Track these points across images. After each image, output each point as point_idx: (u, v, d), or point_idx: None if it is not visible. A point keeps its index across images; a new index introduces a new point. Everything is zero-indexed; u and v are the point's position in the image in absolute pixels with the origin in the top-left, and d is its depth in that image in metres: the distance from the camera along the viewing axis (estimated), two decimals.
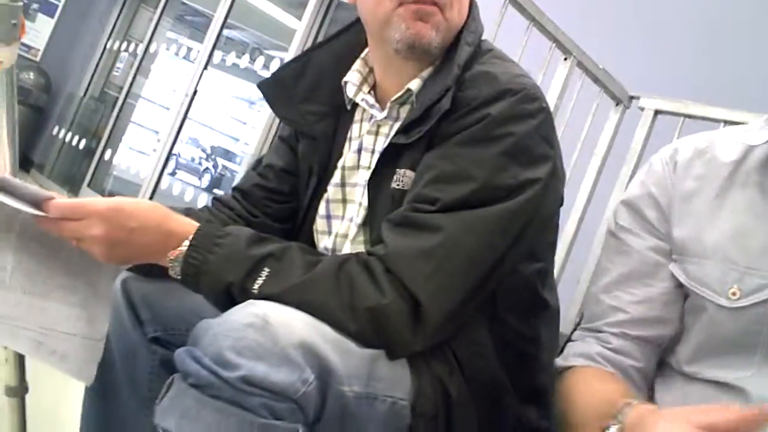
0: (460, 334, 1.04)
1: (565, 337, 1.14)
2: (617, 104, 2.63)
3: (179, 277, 0.99)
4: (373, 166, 1.13)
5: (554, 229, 1.18)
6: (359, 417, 0.93)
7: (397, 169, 1.09)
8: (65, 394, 1.29)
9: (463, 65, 1.08)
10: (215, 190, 9.75)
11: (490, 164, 1.00)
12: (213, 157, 9.82)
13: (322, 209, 1.24)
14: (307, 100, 1.23)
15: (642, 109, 2.56)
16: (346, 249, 1.18)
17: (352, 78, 1.21)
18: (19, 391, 1.13)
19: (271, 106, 1.27)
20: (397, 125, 1.15)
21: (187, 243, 0.97)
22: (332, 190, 1.22)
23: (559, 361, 1.09)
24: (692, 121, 2.41)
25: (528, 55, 2.15)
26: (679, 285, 1.01)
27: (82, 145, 5.72)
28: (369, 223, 1.14)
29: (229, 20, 4.71)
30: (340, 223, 1.21)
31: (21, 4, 1.03)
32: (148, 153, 5.04)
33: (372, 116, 1.20)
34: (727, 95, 2.39)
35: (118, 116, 5.64)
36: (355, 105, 1.23)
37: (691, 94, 2.43)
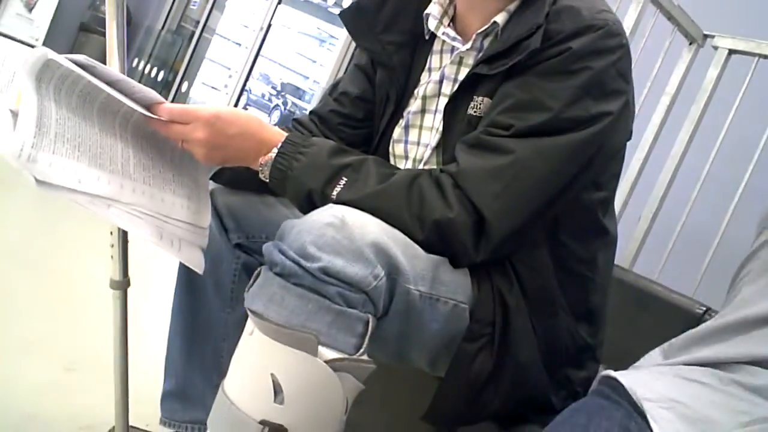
0: (521, 252, 1.10)
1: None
2: (690, 43, 2.59)
3: (267, 180, 1.08)
4: (452, 93, 1.17)
5: (620, 161, 1.21)
6: (423, 314, 1.02)
7: (475, 96, 1.13)
8: (160, 290, 1.42)
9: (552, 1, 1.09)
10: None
11: (565, 96, 1.03)
12: (283, 94, 9.89)
13: (397, 134, 1.28)
14: (387, 30, 1.26)
15: (716, 48, 2.52)
16: None
17: (433, 10, 1.23)
18: (123, 284, 1.25)
19: (352, 35, 1.31)
20: (477, 55, 1.18)
21: (275, 150, 1.07)
22: (411, 117, 1.26)
23: None
24: (766, 61, 2.37)
25: None
26: None
27: (160, 77, 5.88)
28: (443, 146, 1.19)
29: None
30: (416, 148, 1.26)
31: None
32: (220, 88, 5.14)
33: (453, 48, 1.22)
34: None
35: (194, 51, 5.76)
36: (433, 36, 1.26)
37: (766, 35, 2.38)
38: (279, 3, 4.58)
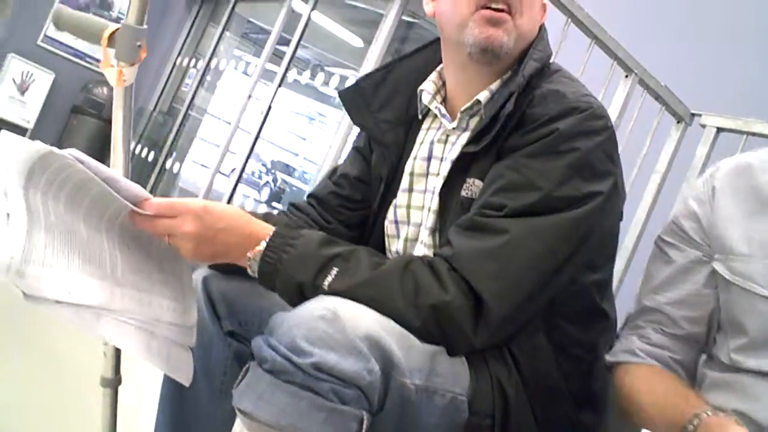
0: (518, 338, 1.08)
1: None
2: (678, 121, 2.62)
3: (256, 275, 1.05)
4: (444, 173, 1.19)
5: (614, 243, 1.22)
6: (419, 409, 0.97)
7: (467, 178, 1.15)
8: (152, 387, 1.37)
9: (529, 78, 1.14)
10: (274, 203, 9.92)
11: (555, 176, 1.04)
12: (273, 171, 9.99)
13: (390, 214, 1.30)
14: (383, 108, 1.30)
15: (704, 126, 2.55)
16: (417, 252, 1.24)
17: (428, 87, 1.28)
18: (114, 382, 1.21)
19: (349, 113, 1.34)
20: (465, 135, 1.21)
21: (264, 243, 1.04)
22: (400, 196, 1.28)
23: (608, 357, 1.18)
24: (754, 139, 2.39)
25: (589, 72, 2.18)
26: (710, 287, 1.11)
27: (150, 158, 5.91)
28: (439, 229, 1.19)
29: (289, 36, 4.82)
30: (407, 228, 1.27)
31: (146, 27, 1.09)
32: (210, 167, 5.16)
33: (441, 125, 1.26)
34: None
35: (185, 130, 5.80)
36: (424, 116, 1.30)
37: (755, 113, 2.40)
38: (279, 86, 4.65)
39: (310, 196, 1.39)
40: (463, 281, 1.00)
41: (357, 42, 6.43)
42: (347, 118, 2.15)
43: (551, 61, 1.25)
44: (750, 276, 1.04)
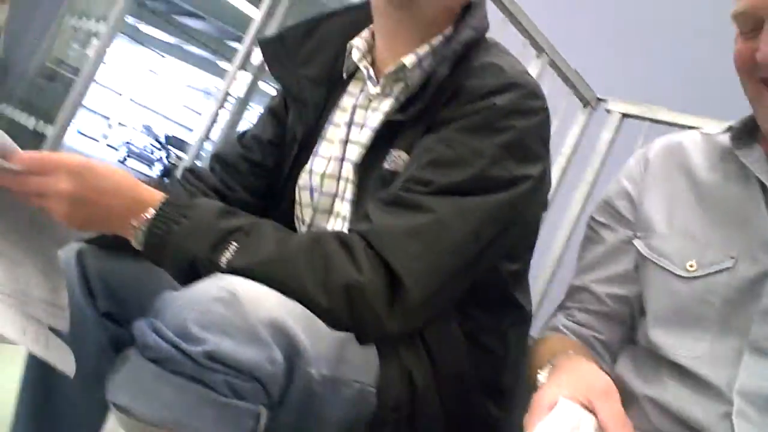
0: (431, 326, 1.01)
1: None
2: (585, 106, 2.63)
3: (141, 247, 0.93)
4: (367, 142, 1.11)
5: (535, 233, 1.18)
6: (324, 400, 0.88)
7: (391, 150, 1.07)
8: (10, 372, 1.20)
9: (465, 46, 1.07)
10: (167, 180, 9.59)
11: (488, 154, 0.98)
12: (167, 146, 9.64)
13: (303, 180, 1.20)
14: (307, 64, 1.20)
15: (609, 111, 2.58)
16: (329, 224, 1.16)
17: (358, 43, 1.19)
18: None
19: (268, 64, 1.24)
20: (389, 101, 1.14)
21: (153, 211, 0.92)
22: (316, 162, 1.19)
23: (535, 337, 1.17)
24: (658, 126, 2.42)
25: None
26: (637, 267, 1.07)
27: (30, 125, 5.53)
28: (356, 201, 1.11)
29: (189, 7, 4.59)
30: (320, 197, 1.18)
31: None
32: (98, 138, 4.86)
33: (365, 89, 1.18)
34: (696, 102, 2.40)
35: (69, 97, 5.46)
36: (350, 78, 1.21)
37: (662, 101, 2.44)
38: (179, 60, 4.40)
39: (215, 157, 1.26)
40: (380, 261, 0.91)
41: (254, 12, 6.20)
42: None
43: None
44: (666, 254, 1.02)
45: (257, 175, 1.24)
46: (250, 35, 2.03)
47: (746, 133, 1.01)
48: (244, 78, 2.06)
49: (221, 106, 2.10)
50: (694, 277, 0.98)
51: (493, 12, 2.15)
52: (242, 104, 2.08)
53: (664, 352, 0.98)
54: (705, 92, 2.71)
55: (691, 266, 0.98)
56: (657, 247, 1.04)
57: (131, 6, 6.32)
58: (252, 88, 2.03)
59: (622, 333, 1.11)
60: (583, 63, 2.59)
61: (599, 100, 2.64)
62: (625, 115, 2.53)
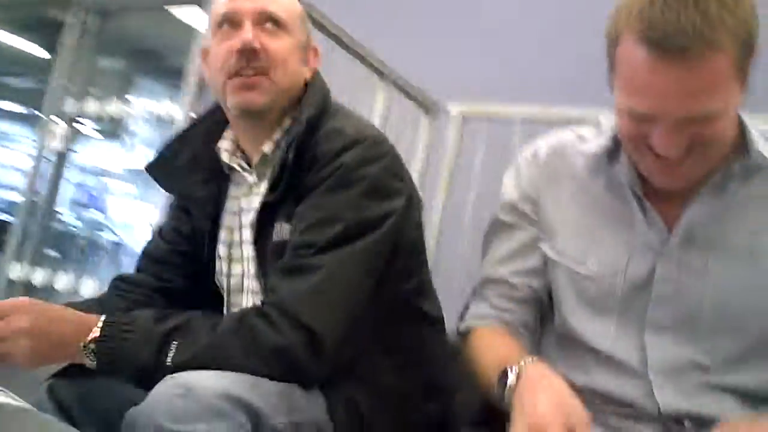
0: (358, 357, 1.16)
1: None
2: (427, 113, 2.71)
3: (94, 365, 1.06)
4: (251, 224, 1.24)
5: (422, 249, 1.31)
6: None
7: (275, 224, 1.20)
8: None
9: (308, 121, 1.20)
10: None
11: (352, 205, 1.13)
12: None
13: (217, 266, 1.34)
14: (191, 171, 1.33)
15: (448, 114, 2.65)
16: (244, 301, 1.30)
17: (224, 144, 1.32)
18: None
19: (160, 184, 1.37)
20: (264, 184, 1.26)
21: (98, 330, 1.05)
22: (221, 249, 1.33)
23: (461, 326, 1.26)
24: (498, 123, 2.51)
25: (352, 86, 2.15)
26: (546, 263, 1.20)
27: None
28: (261, 274, 1.24)
29: None
30: (232, 278, 1.32)
31: None
32: None
33: (244, 178, 1.31)
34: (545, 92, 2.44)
35: None
36: (231, 169, 1.33)
37: (508, 97, 2.49)
38: None
39: (146, 258, 1.40)
40: (295, 321, 1.05)
41: (40, 52, 5.61)
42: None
43: (334, 101, 1.31)
44: (569, 255, 1.16)
45: (188, 262, 1.36)
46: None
47: (615, 150, 1.14)
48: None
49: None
50: (596, 275, 1.13)
51: (322, 40, 2.18)
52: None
53: (583, 339, 1.12)
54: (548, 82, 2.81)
55: (592, 265, 1.13)
56: (560, 249, 1.17)
57: None
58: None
59: (540, 316, 1.23)
60: (426, 74, 2.65)
61: (437, 104, 2.71)
62: (465, 115, 2.58)
